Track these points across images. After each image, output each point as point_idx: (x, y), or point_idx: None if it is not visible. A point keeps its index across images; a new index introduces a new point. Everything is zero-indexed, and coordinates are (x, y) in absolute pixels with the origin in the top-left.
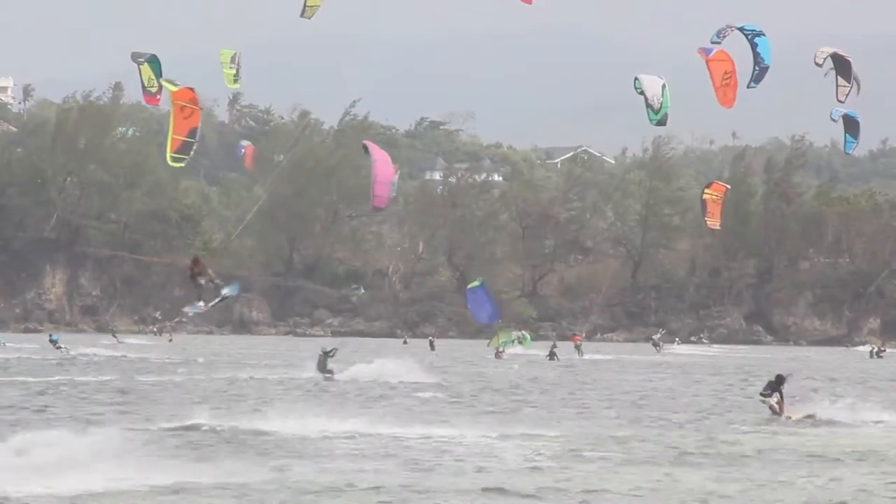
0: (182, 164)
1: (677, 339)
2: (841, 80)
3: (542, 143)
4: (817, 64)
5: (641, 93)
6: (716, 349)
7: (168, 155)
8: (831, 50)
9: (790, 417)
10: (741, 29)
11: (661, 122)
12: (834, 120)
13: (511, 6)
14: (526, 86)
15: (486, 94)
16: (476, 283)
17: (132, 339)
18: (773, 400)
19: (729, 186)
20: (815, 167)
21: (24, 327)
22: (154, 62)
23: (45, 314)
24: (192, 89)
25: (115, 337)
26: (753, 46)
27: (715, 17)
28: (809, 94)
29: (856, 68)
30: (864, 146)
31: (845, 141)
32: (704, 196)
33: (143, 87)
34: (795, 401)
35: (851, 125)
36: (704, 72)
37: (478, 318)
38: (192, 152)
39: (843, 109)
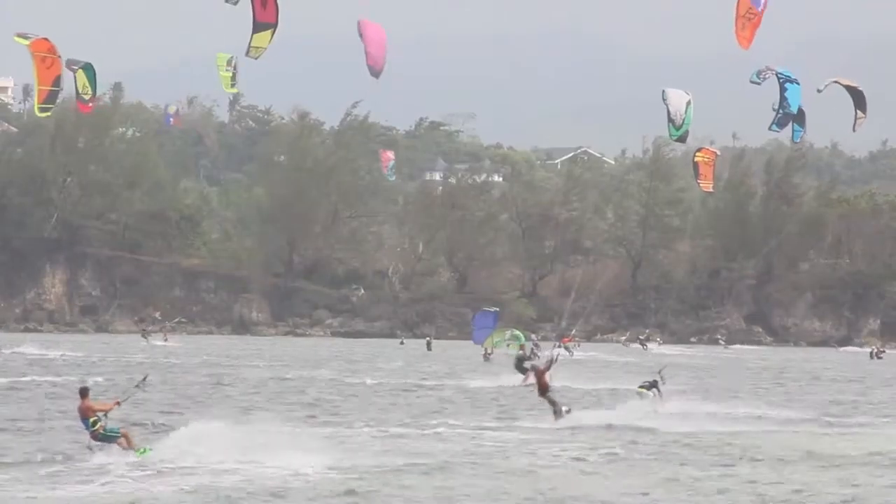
0: (49, 114)
1: (659, 339)
2: (859, 113)
3: (543, 144)
4: (818, 90)
5: (666, 106)
6: (703, 350)
7: (36, 106)
8: (832, 80)
9: (659, 411)
10: (777, 73)
11: (682, 139)
12: (776, 111)
13: (511, 7)
14: (526, 86)
15: (486, 95)
16: (491, 309)
17: (159, 342)
18: (650, 394)
19: (719, 153)
20: (815, 168)
21: (23, 327)
22: (89, 69)
23: (45, 314)
24: (47, 39)
25: (146, 338)
26: (782, 90)
27: (715, 18)
28: (809, 95)
29: (853, 69)
30: (865, 147)
31: (793, 130)
32: (696, 159)
33: (77, 93)
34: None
35: (799, 115)
36: (703, 72)
37: (475, 338)
38: (57, 100)
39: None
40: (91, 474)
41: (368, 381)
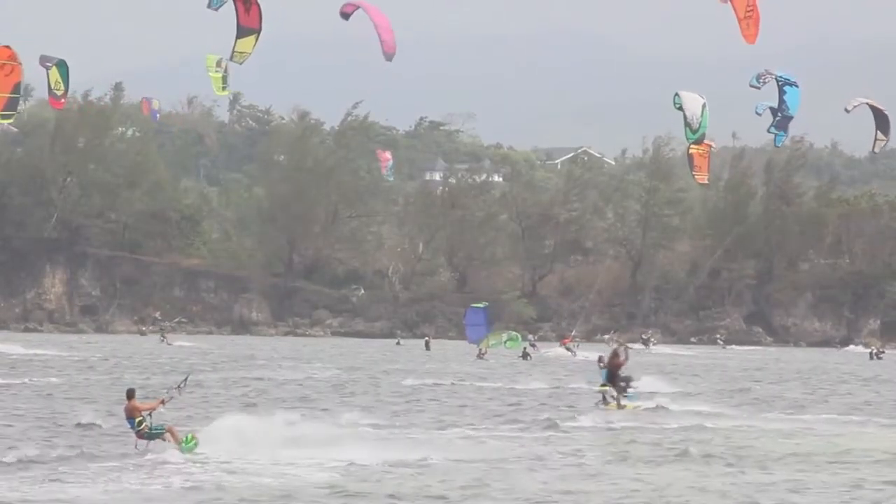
0: (11, 120)
1: (653, 339)
2: (879, 135)
3: (543, 144)
4: (846, 110)
5: (680, 109)
6: (703, 350)
7: None
8: (865, 100)
9: (625, 406)
10: (777, 77)
11: (698, 142)
12: (759, 114)
13: (511, 7)
14: (526, 86)
15: (486, 95)
16: (480, 305)
17: (182, 342)
18: (612, 391)
19: (714, 145)
20: (815, 168)
21: (23, 327)
22: (62, 66)
23: (44, 314)
24: (8, 47)
25: (164, 338)
26: (781, 94)
27: (715, 18)
28: (809, 95)
29: (852, 71)
30: (864, 147)
31: (775, 136)
32: (690, 151)
33: (50, 89)
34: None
35: (775, 114)
36: (703, 73)
37: (469, 336)
38: (18, 107)
39: (766, 104)
40: (148, 470)
41: (409, 382)
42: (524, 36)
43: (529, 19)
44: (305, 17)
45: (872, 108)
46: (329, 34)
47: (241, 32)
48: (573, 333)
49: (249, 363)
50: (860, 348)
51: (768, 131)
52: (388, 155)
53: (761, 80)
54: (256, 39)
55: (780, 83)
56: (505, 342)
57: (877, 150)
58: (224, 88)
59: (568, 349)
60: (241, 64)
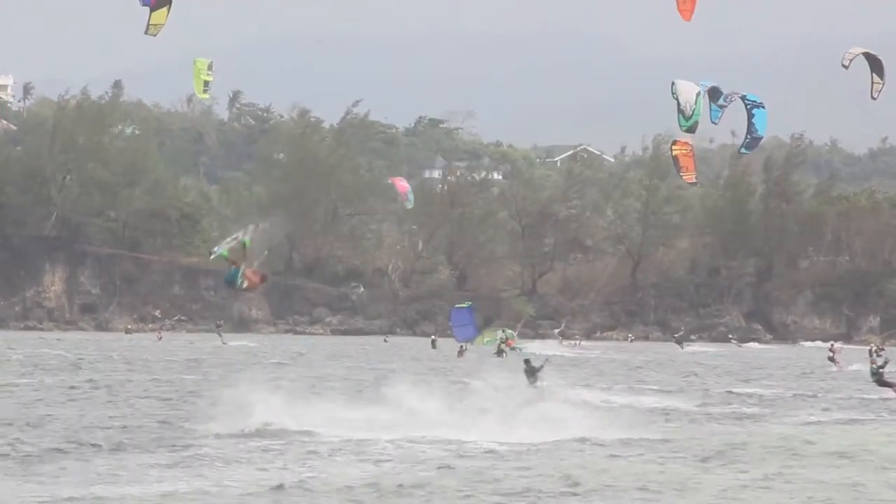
0: None
1: (631, 337)
2: (875, 78)
3: (542, 142)
4: (844, 66)
5: (676, 98)
6: (710, 347)
7: None
8: (861, 50)
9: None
10: (743, 98)
11: (691, 130)
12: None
13: (512, 7)
14: (526, 85)
15: (486, 94)
16: (464, 305)
17: (236, 342)
18: (544, 384)
19: (691, 143)
20: (815, 166)
21: (23, 325)
22: None
23: (44, 312)
24: None
25: (221, 337)
26: (750, 116)
27: (715, 18)
28: (809, 93)
29: (852, 69)
30: (865, 144)
31: (710, 110)
32: (674, 153)
33: None
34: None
35: (715, 95)
36: (703, 72)
37: (456, 336)
38: None
39: (710, 83)
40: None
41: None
42: (524, 36)
43: (529, 19)
44: (305, 16)
45: (864, 54)
46: (329, 33)
47: (156, 4)
48: (515, 335)
49: (363, 360)
50: (813, 343)
51: (739, 152)
52: (405, 184)
53: (728, 100)
54: (168, 10)
55: (747, 106)
56: (499, 341)
57: (875, 94)
58: (205, 91)
59: (513, 349)
60: (155, 36)
